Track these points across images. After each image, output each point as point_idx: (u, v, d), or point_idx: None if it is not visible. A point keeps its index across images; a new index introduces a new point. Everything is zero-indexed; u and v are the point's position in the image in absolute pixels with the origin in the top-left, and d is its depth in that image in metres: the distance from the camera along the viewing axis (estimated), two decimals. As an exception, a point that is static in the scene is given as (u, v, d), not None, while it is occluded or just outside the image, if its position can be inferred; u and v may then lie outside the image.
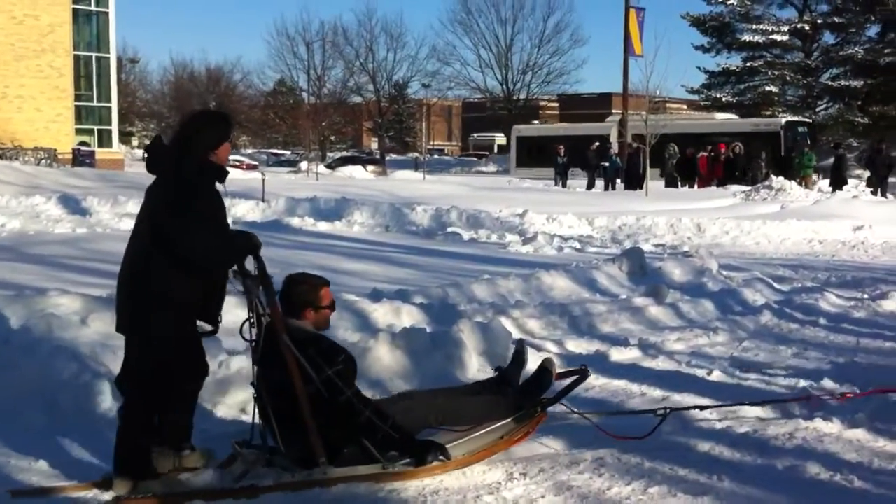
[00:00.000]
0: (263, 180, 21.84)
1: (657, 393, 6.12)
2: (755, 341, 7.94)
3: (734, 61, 47.17)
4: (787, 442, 5.16)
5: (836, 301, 9.75)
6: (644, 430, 5.07)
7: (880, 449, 5.04)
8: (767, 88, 45.32)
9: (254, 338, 4.42)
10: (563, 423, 5.26)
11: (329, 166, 47.53)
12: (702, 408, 5.66)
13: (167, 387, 4.28)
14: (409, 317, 7.35)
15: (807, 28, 45.33)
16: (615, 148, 32.17)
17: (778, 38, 45.14)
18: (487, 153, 71.82)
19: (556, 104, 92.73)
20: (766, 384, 6.41)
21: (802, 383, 6.38)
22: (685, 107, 63.25)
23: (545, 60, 62.17)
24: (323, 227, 15.60)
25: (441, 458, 4.45)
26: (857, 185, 22.72)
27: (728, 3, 45.85)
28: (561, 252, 13.56)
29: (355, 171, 42.49)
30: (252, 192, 20.67)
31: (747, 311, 9.14)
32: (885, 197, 22.40)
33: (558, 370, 5.19)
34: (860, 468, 4.74)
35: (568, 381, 5.10)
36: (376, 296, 7.81)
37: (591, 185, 30.52)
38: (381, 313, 7.28)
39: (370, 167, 47.24)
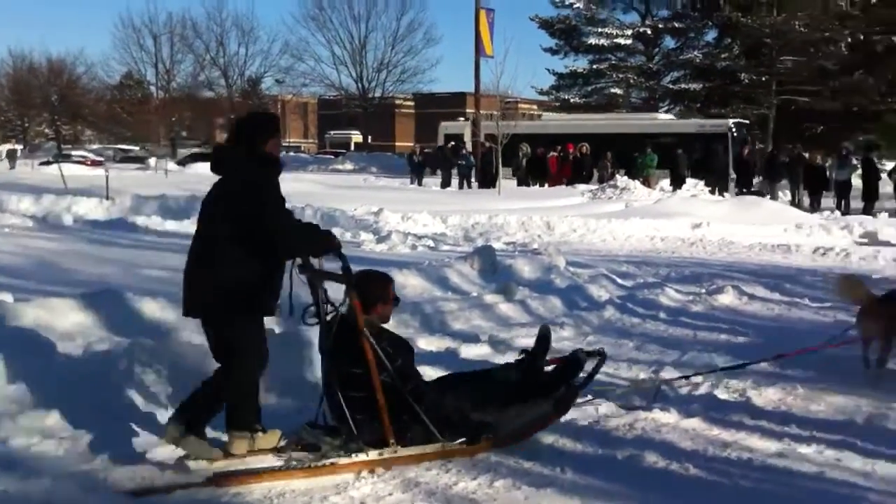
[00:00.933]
0: (107, 177, 20.99)
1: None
2: (599, 335, 8.18)
3: (581, 63, 48.64)
4: (628, 432, 5.36)
5: (676, 296, 10.17)
6: None
7: (714, 437, 5.31)
8: (613, 90, 46.94)
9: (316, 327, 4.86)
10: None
11: (180, 163, 46.15)
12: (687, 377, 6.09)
13: (245, 365, 4.66)
14: (258, 318, 7.20)
15: (649, 32, 47.14)
16: (469, 147, 32.59)
17: (622, 41, 46.76)
18: (344, 151, 71.43)
19: (411, 102, 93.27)
20: (608, 376, 6.61)
21: (643, 375, 6.65)
22: (535, 107, 64.68)
23: (399, 59, 62.31)
24: (171, 226, 15.13)
25: (490, 436, 4.86)
26: (695, 185, 23.80)
27: (574, 6, 47.15)
28: (415, 250, 13.63)
29: (206, 168, 41.37)
30: (96, 189, 19.84)
31: (592, 306, 9.42)
32: (723, 195, 23.62)
33: (557, 355, 5.63)
34: (695, 456, 4.97)
35: (591, 365, 5.45)
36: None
37: (446, 184, 30.83)
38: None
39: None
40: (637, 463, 4.84)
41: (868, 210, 22.32)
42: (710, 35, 47.69)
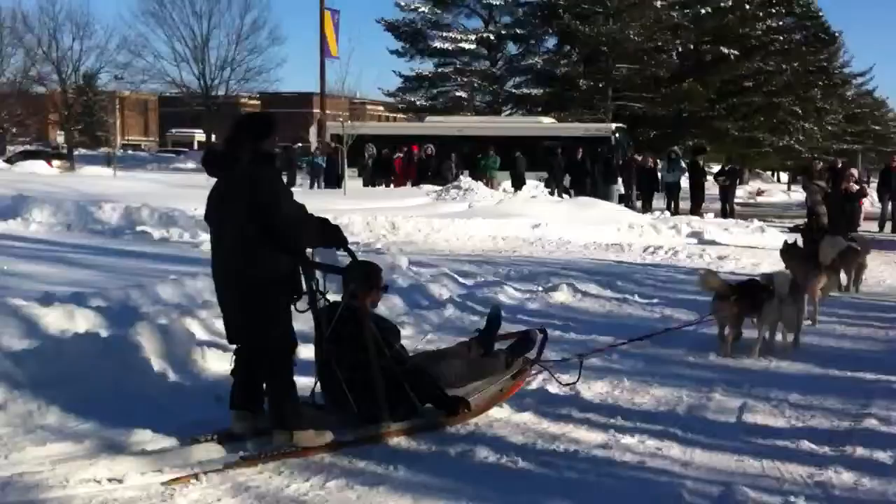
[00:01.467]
0: (-77, 175, 19.59)
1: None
2: (439, 333, 8.28)
3: (427, 67, 48.98)
4: (462, 428, 5.43)
5: (514, 294, 10.40)
6: None
7: (544, 430, 5.45)
8: (458, 94, 47.48)
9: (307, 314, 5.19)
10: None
11: (8, 161, 43.64)
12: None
13: (281, 354, 4.93)
14: (84, 321, 6.89)
15: (492, 38, 47.96)
16: (314, 146, 32.30)
17: (466, 46, 47.33)
18: (187, 149, 69.39)
19: (257, 101, 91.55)
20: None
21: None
22: (382, 108, 64.80)
23: (244, 57, 60.91)
24: (-4, 226, 14.31)
25: (466, 410, 5.37)
26: (536, 186, 24.39)
27: (419, 10, 47.50)
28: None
29: (37, 166, 39.32)
30: (-90, 188, 18.47)
31: (433, 305, 9.51)
32: (562, 197, 24.31)
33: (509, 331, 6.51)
34: (525, 450, 5.09)
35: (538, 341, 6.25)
36: (47, 299, 7.24)
37: (291, 184, 30.43)
38: (51, 318, 6.75)
39: (56, 162, 44.00)
40: (469, 459, 4.91)
41: (695, 210, 23.50)
42: (551, 42, 49.00)
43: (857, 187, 17.96)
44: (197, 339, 6.79)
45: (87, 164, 48.01)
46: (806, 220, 15.83)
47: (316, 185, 29.79)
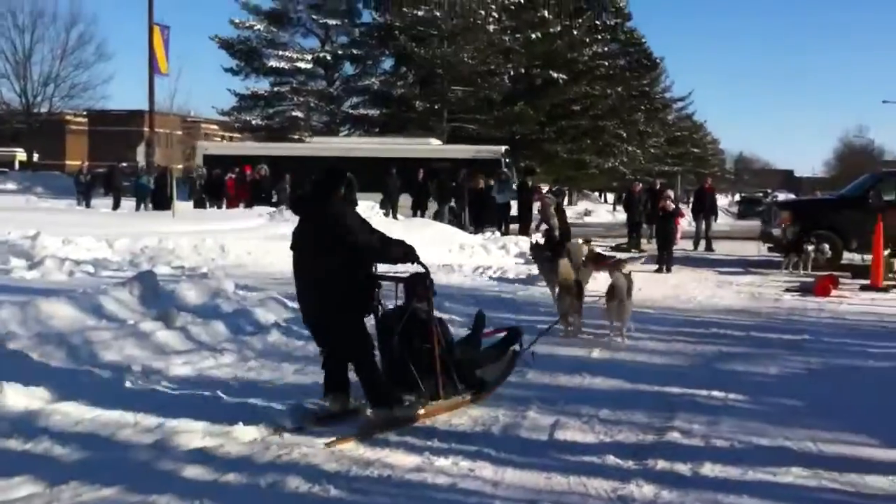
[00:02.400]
0: None
1: (152, 420, 5.97)
2: (261, 360, 8.14)
3: (263, 86, 48.26)
4: (277, 459, 5.33)
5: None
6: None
7: (359, 457, 5.43)
8: (294, 113, 47.00)
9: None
10: None
11: None
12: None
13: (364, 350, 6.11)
14: None
15: (328, 58, 47.81)
16: (141, 165, 31.18)
17: (302, 65, 46.98)
18: (7, 169, 65.63)
19: (83, 119, 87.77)
20: (264, 402, 6.58)
21: (298, 398, 6.67)
22: (216, 127, 63.42)
23: (69, 73, 58.19)
24: None
25: (486, 391, 6.77)
26: (371, 207, 24.35)
27: (255, 28, 46.85)
28: (72, 277, 12.78)
29: None
30: None
31: (258, 330, 9.35)
32: (396, 217, 24.44)
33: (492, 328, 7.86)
34: (338, 477, 5.06)
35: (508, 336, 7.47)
36: None
37: (116, 206, 29.27)
38: None
39: None
40: (280, 489, 4.84)
41: (524, 231, 24.12)
42: (388, 63, 49.38)
43: (672, 206, 18.94)
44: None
45: None
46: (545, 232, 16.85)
47: (143, 206, 28.71)
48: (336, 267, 5.95)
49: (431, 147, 34.33)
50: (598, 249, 15.94)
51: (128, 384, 6.89)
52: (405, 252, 6.27)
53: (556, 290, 10.71)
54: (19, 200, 32.44)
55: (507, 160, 31.69)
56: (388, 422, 6.01)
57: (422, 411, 6.19)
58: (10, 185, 47.60)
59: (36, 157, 63.30)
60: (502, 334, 7.59)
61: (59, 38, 57.49)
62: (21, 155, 68.65)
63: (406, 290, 6.52)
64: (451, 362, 6.44)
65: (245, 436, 5.67)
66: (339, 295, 5.98)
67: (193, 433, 5.64)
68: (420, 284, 6.44)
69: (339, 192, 6.15)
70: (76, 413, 6.07)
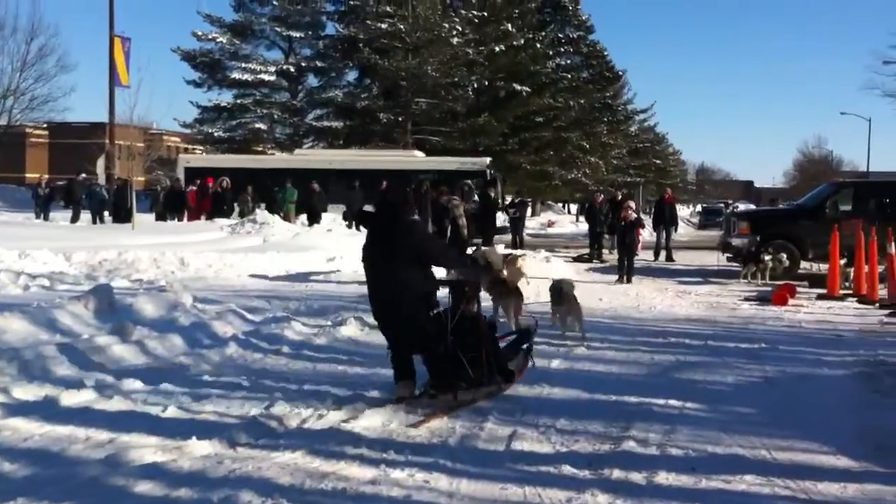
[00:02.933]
0: None
1: (104, 436, 5.88)
2: (216, 376, 8.05)
3: (225, 98, 48.01)
4: (230, 474, 5.27)
5: (302, 329, 10.30)
6: None
7: (314, 469, 5.38)
8: (257, 125, 46.80)
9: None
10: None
11: None
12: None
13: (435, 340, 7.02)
14: None
15: (292, 70, 47.74)
16: (102, 179, 30.88)
17: (266, 77, 46.85)
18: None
19: (45, 132, 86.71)
20: (218, 416, 6.51)
21: (254, 411, 6.62)
22: (179, 139, 62.88)
23: (29, 85, 57.39)
24: None
25: (514, 378, 7.65)
26: (334, 220, 24.37)
27: (217, 40, 46.65)
28: (27, 291, 12.61)
29: None
30: None
31: (216, 343, 9.27)
32: (359, 230, 24.38)
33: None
34: (292, 490, 5.01)
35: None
36: None
37: (75, 219, 28.93)
38: None
39: None
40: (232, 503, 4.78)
41: (486, 242, 24.17)
42: (352, 75, 49.42)
43: (634, 216, 19.08)
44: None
45: None
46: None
47: (98, 219, 28.33)
48: (412, 275, 6.90)
49: (417, 159, 34.41)
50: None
51: (79, 399, 6.77)
52: (464, 262, 8.19)
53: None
54: (-24, 215, 31.98)
55: (492, 171, 31.81)
56: (459, 402, 7.02)
57: (470, 396, 7.15)
58: (-32, 199, 46.90)
59: (-7, 169, 62.41)
60: (513, 336, 8.63)
61: (19, 50, 56.81)
62: (-21, 168, 67.59)
63: (458, 292, 7.29)
64: (493, 355, 7.31)
65: (198, 450, 5.60)
66: (416, 298, 6.93)
67: (146, 448, 5.56)
68: (470, 287, 7.42)
69: (409, 206, 7.49)
70: (26, 428, 5.97)
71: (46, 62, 57.27)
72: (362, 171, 29.74)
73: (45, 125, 75.33)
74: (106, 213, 28.64)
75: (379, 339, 10.07)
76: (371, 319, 10.92)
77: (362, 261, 7.18)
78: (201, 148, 53.26)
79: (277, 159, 35.29)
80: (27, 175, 79.90)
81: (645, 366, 9.01)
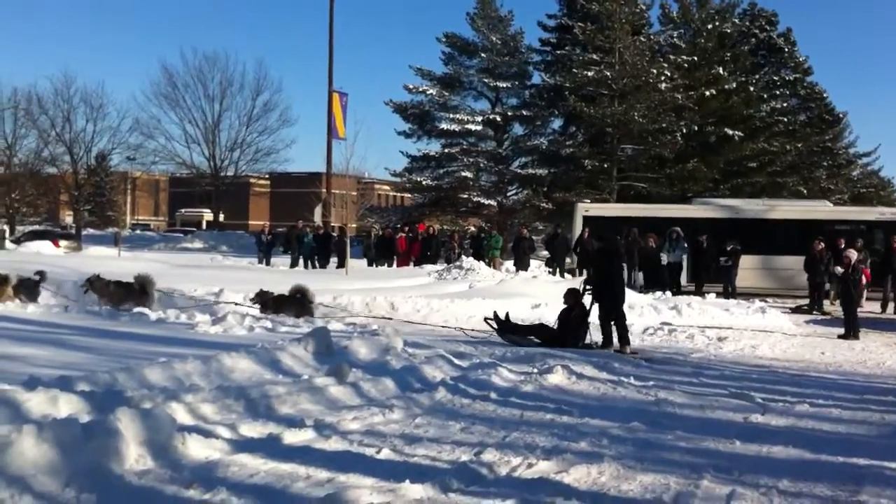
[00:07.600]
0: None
1: (323, 475, 6.08)
2: (428, 417, 8.16)
3: (434, 147, 49.57)
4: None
5: (508, 376, 10.31)
6: None
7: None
8: (464, 174, 47.96)
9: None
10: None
11: (16, 241, 43.97)
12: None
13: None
14: (67, 406, 6.80)
15: (498, 119, 48.64)
16: (318, 225, 32.49)
17: (473, 127, 47.97)
18: (194, 229, 70.00)
19: (266, 181, 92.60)
20: (430, 460, 6.59)
21: (464, 457, 6.65)
22: (388, 188, 65.22)
23: (254, 138, 61.76)
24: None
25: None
26: (539, 266, 24.42)
27: (427, 93, 48.34)
28: (251, 332, 13.36)
29: (44, 246, 39.58)
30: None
31: (425, 387, 9.41)
32: (563, 277, 24.29)
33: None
34: None
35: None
36: (31, 384, 7.19)
37: (294, 264, 30.55)
38: (34, 403, 6.67)
39: (63, 242, 44.33)
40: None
41: (698, 289, 23.41)
42: (557, 123, 49.77)
43: (855, 260, 17.82)
44: (179, 424, 6.70)
45: (96, 244, 48.31)
46: None
47: (311, 264, 29.77)
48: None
49: (829, 210, 31.09)
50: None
51: (301, 437, 7.06)
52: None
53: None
54: (204, 258, 34.45)
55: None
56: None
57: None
58: (198, 244, 50.69)
59: (222, 217, 67.14)
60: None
61: (245, 105, 61.33)
62: (208, 215, 73.09)
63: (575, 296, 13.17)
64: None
65: (412, 493, 5.67)
66: None
67: (362, 488, 5.69)
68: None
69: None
70: (252, 464, 6.25)
71: (270, 117, 61.69)
72: (772, 220, 28.29)
73: (267, 175, 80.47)
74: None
75: (589, 388, 10.05)
76: (578, 367, 10.93)
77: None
78: (410, 195, 55.03)
79: (677, 209, 32.17)
80: (250, 222, 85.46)
81: (875, 426, 8.37)
